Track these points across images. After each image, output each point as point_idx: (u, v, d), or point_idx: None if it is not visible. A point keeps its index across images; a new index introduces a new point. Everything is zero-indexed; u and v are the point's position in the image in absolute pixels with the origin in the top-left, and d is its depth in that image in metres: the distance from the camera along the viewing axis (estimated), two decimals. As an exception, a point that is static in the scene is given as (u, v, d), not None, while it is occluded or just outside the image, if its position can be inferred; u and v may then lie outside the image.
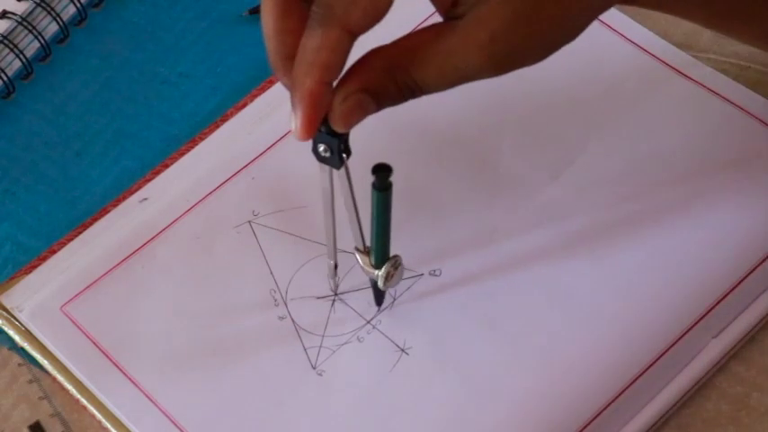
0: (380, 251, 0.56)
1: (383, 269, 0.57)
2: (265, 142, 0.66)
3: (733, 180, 0.62)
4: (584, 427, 0.55)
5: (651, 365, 0.57)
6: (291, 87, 0.49)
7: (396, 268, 0.57)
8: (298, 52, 0.49)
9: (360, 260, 0.57)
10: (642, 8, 0.57)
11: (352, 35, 0.49)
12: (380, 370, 0.57)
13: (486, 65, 0.49)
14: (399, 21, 0.51)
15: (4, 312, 0.62)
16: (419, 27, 0.50)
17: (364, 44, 0.50)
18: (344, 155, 0.52)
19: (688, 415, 0.57)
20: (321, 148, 0.51)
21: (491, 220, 0.61)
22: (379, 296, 0.59)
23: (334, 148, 0.51)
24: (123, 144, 0.69)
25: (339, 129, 0.50)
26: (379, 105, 0.50)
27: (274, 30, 0.50)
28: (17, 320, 0.61)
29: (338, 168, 0.53)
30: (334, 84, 0.49)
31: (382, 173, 0.52)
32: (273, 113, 0.66)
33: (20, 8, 0.71)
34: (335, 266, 0.59)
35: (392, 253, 0.57)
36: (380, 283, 0.57)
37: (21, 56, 0.71)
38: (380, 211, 0.54)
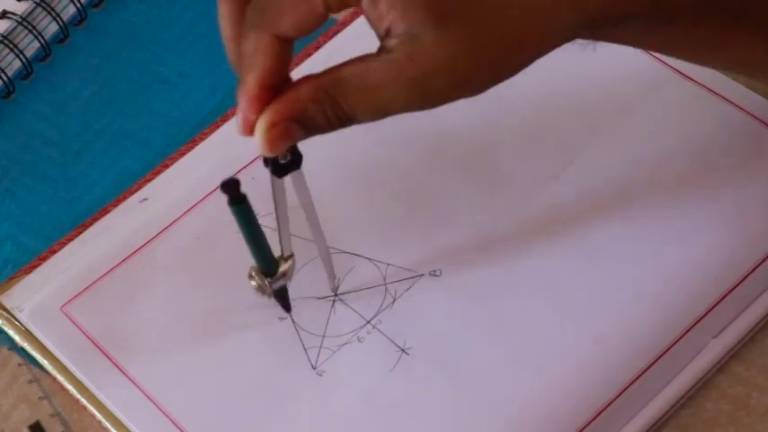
0: (262, 260, 0.56)
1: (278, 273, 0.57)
2: (265, 142, 0.65)
3: (733, 180, 0.61)
4: (585, 426, 0.55)
5: (651, 365, 0.57)
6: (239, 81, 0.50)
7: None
8: (241, 54, 0.50)
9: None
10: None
11: (285, 40, 0.49)
12: (381, 370, 0.57)
13: (417, 100, 0.49)
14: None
15: (4, 312, 0.62)
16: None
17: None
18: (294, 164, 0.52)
19: (688, 415, 0.57)
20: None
21: (491, 221, 0.61)
22: (284, 302, 0.59)
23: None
24: (123, 144, 0.69)
25: (264, 153, 0.50)
26: (308, 133, 0.50)
27: (229, 35, 0.52)
28: (17, 320, 0.61)
29: (296, 170, 0.53)
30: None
31: (230, 188, 0.51)
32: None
33: (20, 8, 0.71)
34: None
35: (385, 256, 0.57)
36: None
37: (21, 56, 0.71)
38: (243, 224, 0.54)
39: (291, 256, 0.57)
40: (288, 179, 0.54)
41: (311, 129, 0.50)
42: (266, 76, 0.50)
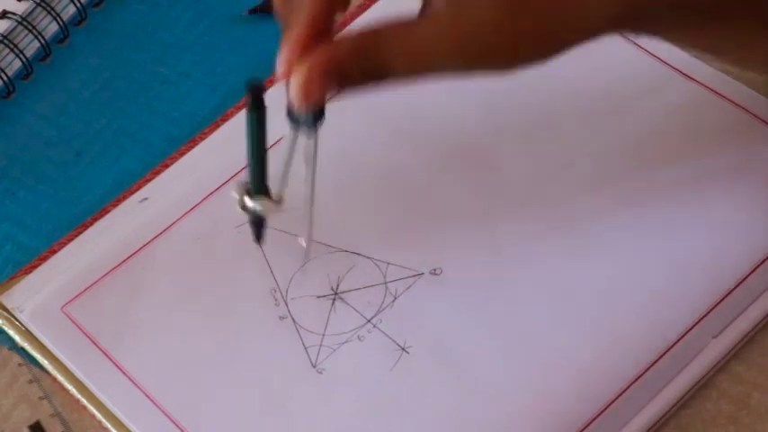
0: (254, 175, 0.55)
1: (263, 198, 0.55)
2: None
3: (734, 180, 0.61)
4: (585, 427, 0.55)
5: (651, 365, 0.57)
6: (283, 30, 0.50)
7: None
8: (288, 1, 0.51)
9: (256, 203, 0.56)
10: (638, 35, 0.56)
11: None
12: (381, 369, 0.57)
13: (454, 60, 0.49)
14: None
15: (4, 312, 0.62)
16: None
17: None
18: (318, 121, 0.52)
19: (688, 415, 0.57)
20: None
21: (492, 220, 0.61)
22: (257, 230, 0.58)
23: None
24: (123, 144, 0.69)
25: (296, 103, 0.50)
26: (341, 87, 0.50)
27: None
28: (17, 320, 0.61)
29: (312, 128, 0.52)
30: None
31: (254, 91, 0.51)
32: (274, 113, 0.66)
33: (20, 8, 0.71)
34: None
35: (386, 254, 0.57)
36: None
37: (21, 56, 0.71)
38: (251, 133, 0.53)
39: (281, 201, 0.55)
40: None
41: (345, 82, 0.50)
42: (313, 23, 0.50)
